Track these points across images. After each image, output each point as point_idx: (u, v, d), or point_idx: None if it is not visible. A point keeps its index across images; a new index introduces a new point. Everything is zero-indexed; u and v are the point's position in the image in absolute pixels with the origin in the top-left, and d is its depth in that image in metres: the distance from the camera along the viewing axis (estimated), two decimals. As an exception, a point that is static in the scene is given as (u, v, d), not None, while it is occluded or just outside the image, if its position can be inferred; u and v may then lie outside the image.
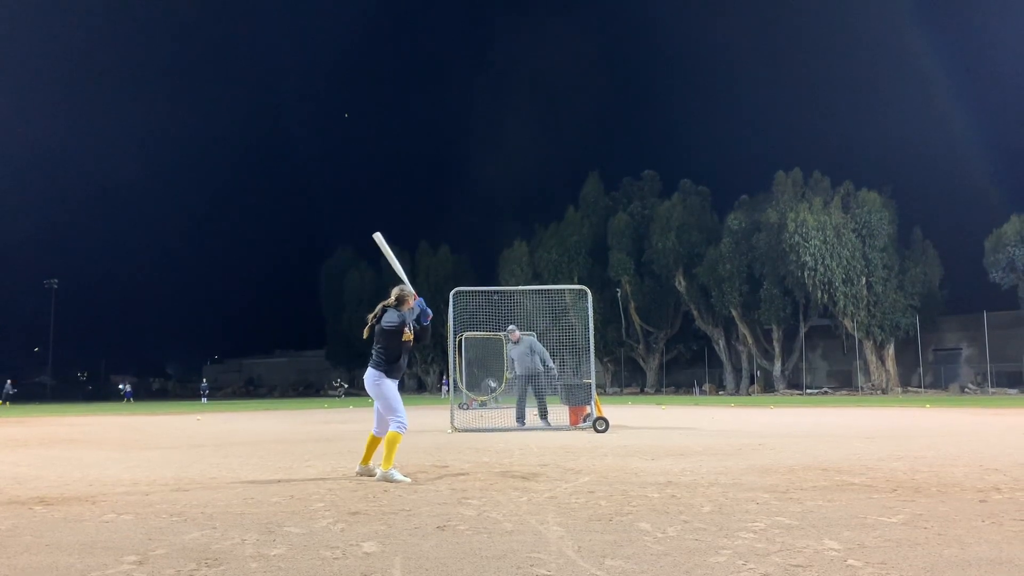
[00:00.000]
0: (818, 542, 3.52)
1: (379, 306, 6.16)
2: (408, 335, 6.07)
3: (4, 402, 46.11)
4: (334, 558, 3.30)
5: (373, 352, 6.11)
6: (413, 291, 6.20)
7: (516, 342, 12.84)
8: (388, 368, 6.04)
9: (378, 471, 5.93)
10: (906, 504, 4.56)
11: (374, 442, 6.24)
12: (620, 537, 3.67)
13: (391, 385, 6.05)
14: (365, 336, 6.20)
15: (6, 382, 48.55)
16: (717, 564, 3.13)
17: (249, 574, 3.06)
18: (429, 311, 6.21)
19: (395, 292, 6.14)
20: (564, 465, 6.91)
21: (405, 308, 6.10)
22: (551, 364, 12.79)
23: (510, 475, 6.20)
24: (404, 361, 6.18)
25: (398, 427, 5.94)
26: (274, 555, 3.37)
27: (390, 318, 6.02)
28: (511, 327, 13.00)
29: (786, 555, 3.27)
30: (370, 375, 6.07)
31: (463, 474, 6.31)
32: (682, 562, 3.17)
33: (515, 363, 12.86)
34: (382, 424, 6.14)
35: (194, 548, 3.52)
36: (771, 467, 6.57)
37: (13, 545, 3.64)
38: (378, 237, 6.49)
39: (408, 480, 5.83)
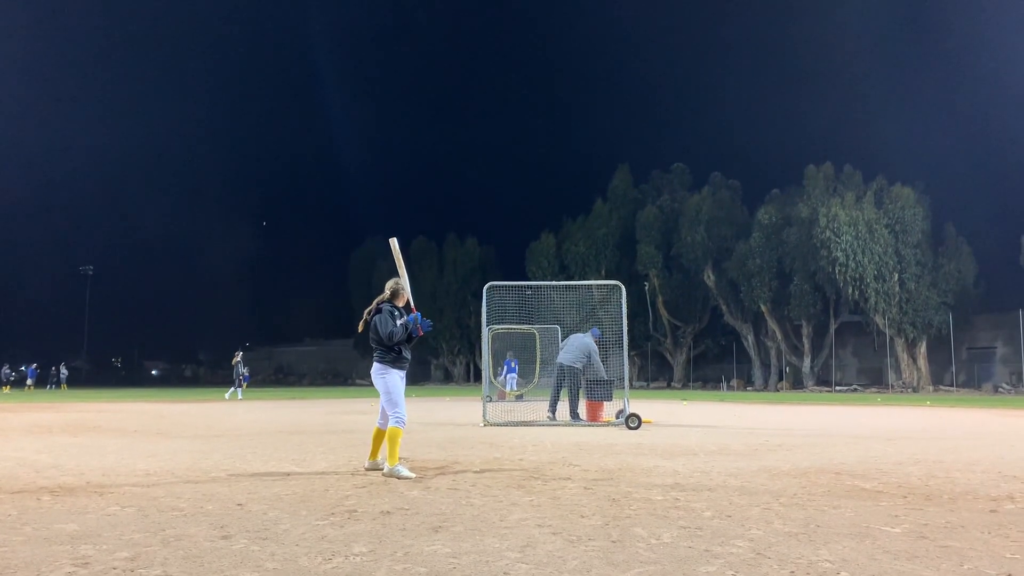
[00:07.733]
0: (814, 552, 3.45)
1: (374, 302, 6.25)
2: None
3: (59, 386, 46.77)
4: (324, 560, 3.31)
5: (373, 347, 6.17)
6: (407, 289, 6.30)
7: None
8: (392, 361, 6.11)
9: (384, 466, 5.97)
10: (913, 512, 4.47)
11: (379, 436, 6.28)
12: (612, 543, 3.63)
13: (395, 378, 6.10)
14: (360, 331, 6.26)
15: (60, 365, 49.14)
16: (706, 574, 3.09)
17: None
18: (424, 325, 6.12)
19: (389, 285, 6.28)
20: (574, 463, 6.89)
21: (399, 302, 6.22)
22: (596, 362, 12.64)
23: (517, 473, 6.19)
24: (407, 353, 6.23)
25: (397, 422, 6.00)
26: (264, 554, 3.38)
27: (384, 315, 6.08)
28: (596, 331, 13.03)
29: (778, 566, 3.21)
30: (375, 368, 6.16)
31: (470, 471, 6.31)
32: (669, 571, 3.12)
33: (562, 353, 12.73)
34: (386, 417, 6.17)
35: (186, 545, 3.55)
36: (783, 470, 6.48)
37: (13, 535, 3.70)
38: (394, 242, 6.62)
39: (413, 476, 5.86)
